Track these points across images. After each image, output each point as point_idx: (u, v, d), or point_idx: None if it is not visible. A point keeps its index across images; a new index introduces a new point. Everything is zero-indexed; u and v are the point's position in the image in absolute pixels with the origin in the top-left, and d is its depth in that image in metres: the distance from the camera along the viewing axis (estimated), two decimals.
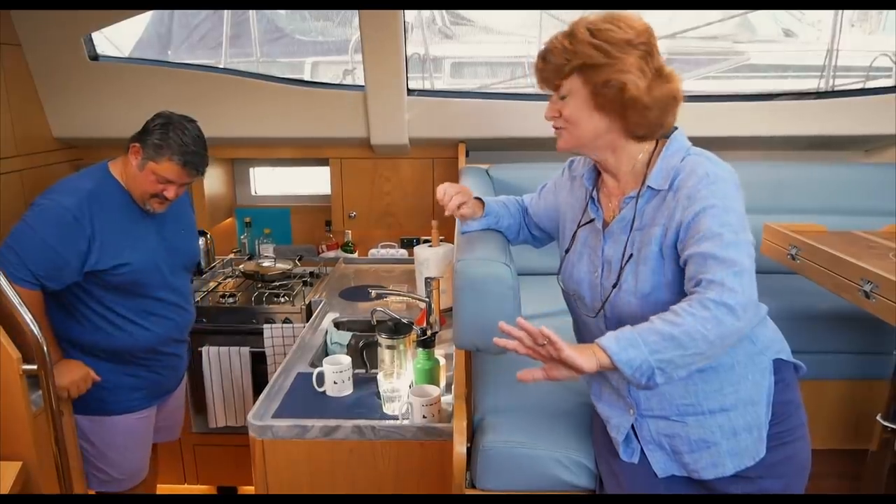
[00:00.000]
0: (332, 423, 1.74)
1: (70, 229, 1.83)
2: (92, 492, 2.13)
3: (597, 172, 1.45)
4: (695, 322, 1.12)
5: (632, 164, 1.36)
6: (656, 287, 1.28)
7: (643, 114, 1.28)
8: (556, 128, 1.36)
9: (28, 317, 1.67)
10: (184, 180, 1.94)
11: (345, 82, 4.15)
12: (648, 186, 1.32)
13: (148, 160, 1.88)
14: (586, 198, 1.45)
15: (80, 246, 1.84)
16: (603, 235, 1.38)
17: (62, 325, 1.92)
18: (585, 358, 1.14)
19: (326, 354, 2.18)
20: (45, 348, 1.69)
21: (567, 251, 1.47)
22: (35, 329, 1.67)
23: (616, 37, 1.26)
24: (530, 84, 4.64)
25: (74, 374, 1.89)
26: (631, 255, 1.32)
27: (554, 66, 1.30)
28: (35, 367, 1.71)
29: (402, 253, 3.27)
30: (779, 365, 1.36)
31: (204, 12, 4.51)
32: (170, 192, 1.93)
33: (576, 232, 1.46)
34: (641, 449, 1.40)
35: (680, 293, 1.25)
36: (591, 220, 1.42)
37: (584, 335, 1.48)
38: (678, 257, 1.26)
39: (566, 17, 4.12)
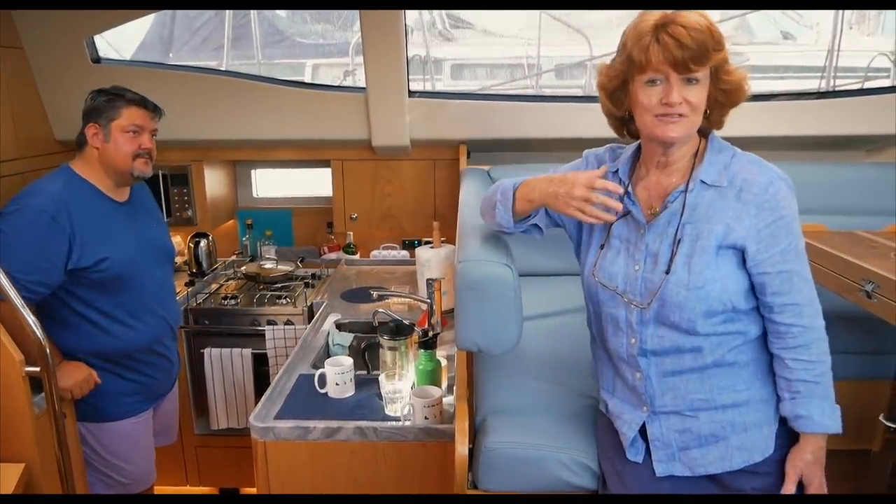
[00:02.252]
0: (334, 424, 1.74)
1: (50, 230, 1.81)
2: None
3: (632, 166, 1.44)
4: (828, 357, 1.34)
5: (684, 158, 1.36)
6: (709, 281, 1.29)
7: (726, 114, 1.34)
8: (677, 114, 1.26)
9: (31, 319, 1.66)
10: (149, 123, 1.99)
11: (345, 84, 4.17)
12: (701, 181, 1.32)
13: (109, 123, 1.93)
14: (622, 191, 1.41)
15: (62, 245, 1.83)
16: (646, 228, 1.37)
17: (54, 337, 1.88)
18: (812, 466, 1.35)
19: (328, 356, 2.18)
20: (47, 350, 1.69)
21: (602, 246, 1.43)
22: (38, 331, 1.67)
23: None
24: (529, 86, 4.65)
25: (77, 376, 1.89)
26: (680, 240, 1.32)
27: (701, 48, 1.21)
28: (37, 368, 1.70)
29: (404, 254, 3.27)
30: None
31: (206, 15, 4.52)
32: (146, 141, 1.98)
33: (611, 226, 1.42)
34: (647, 448, 1.40)
35: (735, 292, 1.30)
36: (627, 214, 1.40)
37: (607, 331, 1.43)
38: (738, 259, 1.31)
39: (567, 20, 4.13)
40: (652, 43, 1.23)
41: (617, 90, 1.35)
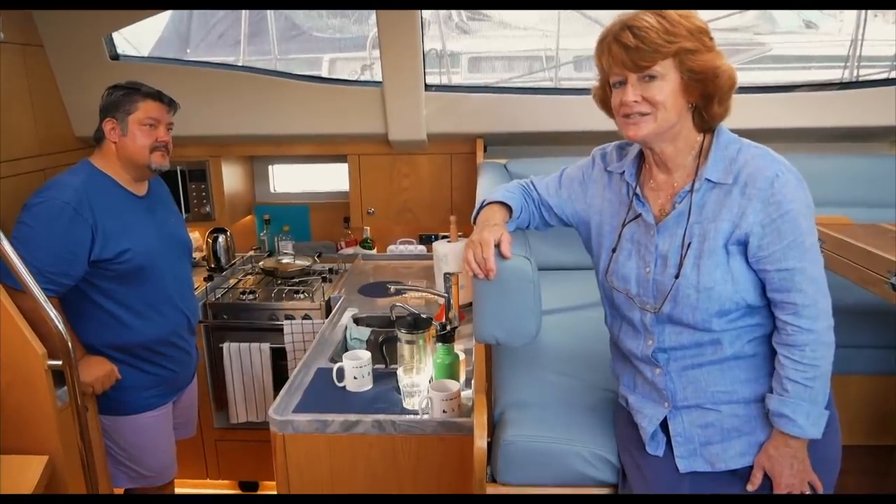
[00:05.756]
0: (353, 417, 1.75)
1: (73, 222, 1.83)
2: (120, 490, 2.15)
3: (638, 167, 1.43)
4: (827, 362, 1.28)
5: (686, 157, 1.34)
6: (719, 282, 1.28)
7: (725, 104, 1.30)
8: (638, 113, 1.28)
9: (53, 313, 1.68)
10: (165, 116, 2.01)
11: (363, 78, 4.16)
12: (706, 179, 1.31)
13: (127, 116, 1.95)
14: (629, 193, 1.42)
15: (85, 237, 1.85)
16: (656, 230, 1.36)
17: (75, 330, 1.90)
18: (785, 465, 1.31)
19: (346, 350, 2.18)
20: (69, 344, 1.70)
21: (614, 250, 1.43)
22: (60, 325, 1.68)
23: (703, 26, 1.28)
24: (548, 78, 4.62)
25: (98, 371, 1.91)
26: (689, 243, 1.31)
27: (652, 46, 1.23)
28: (60, 362, 1.72)
29: (421, 249, 3.27)
30: None
31: (222, 11, 4.54)
32: (163, 134, 2.00)
33: (621, 230, 1.42)
34: (668, 441, 1.39)
35: (746, 290, 1.29)
36: (638, 216, 1.40)
37: (623, 331, 1.45)
38: (745, 255, 1.29)
39: (585, 11, 4.10)
40: (605, 50, 1.30)
41: (605, 97, 1.39)
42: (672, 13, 1.26)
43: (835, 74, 3.83)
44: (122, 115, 1.95)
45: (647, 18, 1.25)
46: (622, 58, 1.26)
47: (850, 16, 4.01)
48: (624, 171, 1.44)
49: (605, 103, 1.41)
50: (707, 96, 1.29)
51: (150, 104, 1.97)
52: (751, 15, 4.72)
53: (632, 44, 1.24)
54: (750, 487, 1.33)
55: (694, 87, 1.27)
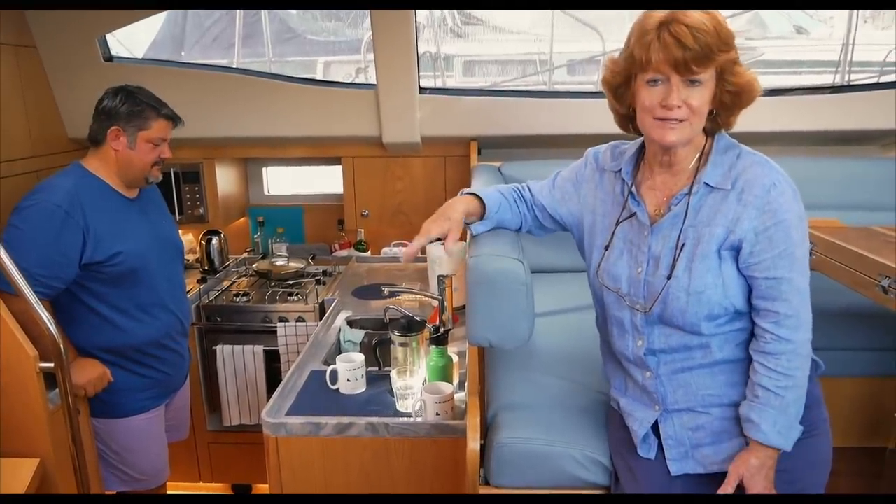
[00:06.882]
0: (346, 420, 1.74)
1: (64, 224, 1.82)
2: (111, 493, 2.14)
3: (635, 166, 1.43)
4: (803, 374, 1.29)
5: (691, 159, 1.34)
6: (710, 286, 1.28)
7: (736, 115, 1.30)
8: (676, 119, 1.24)
9: (45, 315, 1.67)
10: (169, 134, 2.01)
11: (357, 81, 4.17)
12: (705, 183, 1.31)
13: (137, 132, 1.93)
14: (624, 192, 1.41)
15: (77, 239, 1.83)
16: (650, 230, 1.36)
17: (68, 332, 1.89)
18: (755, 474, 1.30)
19: (340, 352, 2.18)
20: (61, 347, 1.70)
21: (606, 247, 1.42)
22: (52, 328, 1.68)
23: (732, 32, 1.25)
24: (541, 81, 4.64)
25: (91, 374, 1.90)
26: (683, 244, 1.31)
27: (704, 49, 1.18)
28: (52, 365, 1.71)
29: None
30: None
31: (217, 13, 4.54)
32: (166, 151, 2.00)
33: (615, 228, 1.41)
34: (659, 444, 1.40)
35: (736, 296, 1.29)
36: (632, 215, 1.39)
37: (613, 333, 1.45)
38: (737, 261, 1.29)
39: (578, 15, 4.11)
40: (654, 41, 1.21)
41: (620, 87, 1.34)
42: (721, 22, 1.21)
43: (825, 79, 3.86)
44: (132, 129, 1.92)
45: (704, 21, 1.19)
46: (676, 56, 1.19)
47: (840, 21, 4.04)
48: (620, 169, 1.43)
49: (616, 94, 1.36)
50: (730, 107, 1.28)
51: (163, 124, 1.97)
52: (742, 20, 4.74)
53: (690, 44, 1.17)
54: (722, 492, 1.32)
55: (721, 97, 1.26)
